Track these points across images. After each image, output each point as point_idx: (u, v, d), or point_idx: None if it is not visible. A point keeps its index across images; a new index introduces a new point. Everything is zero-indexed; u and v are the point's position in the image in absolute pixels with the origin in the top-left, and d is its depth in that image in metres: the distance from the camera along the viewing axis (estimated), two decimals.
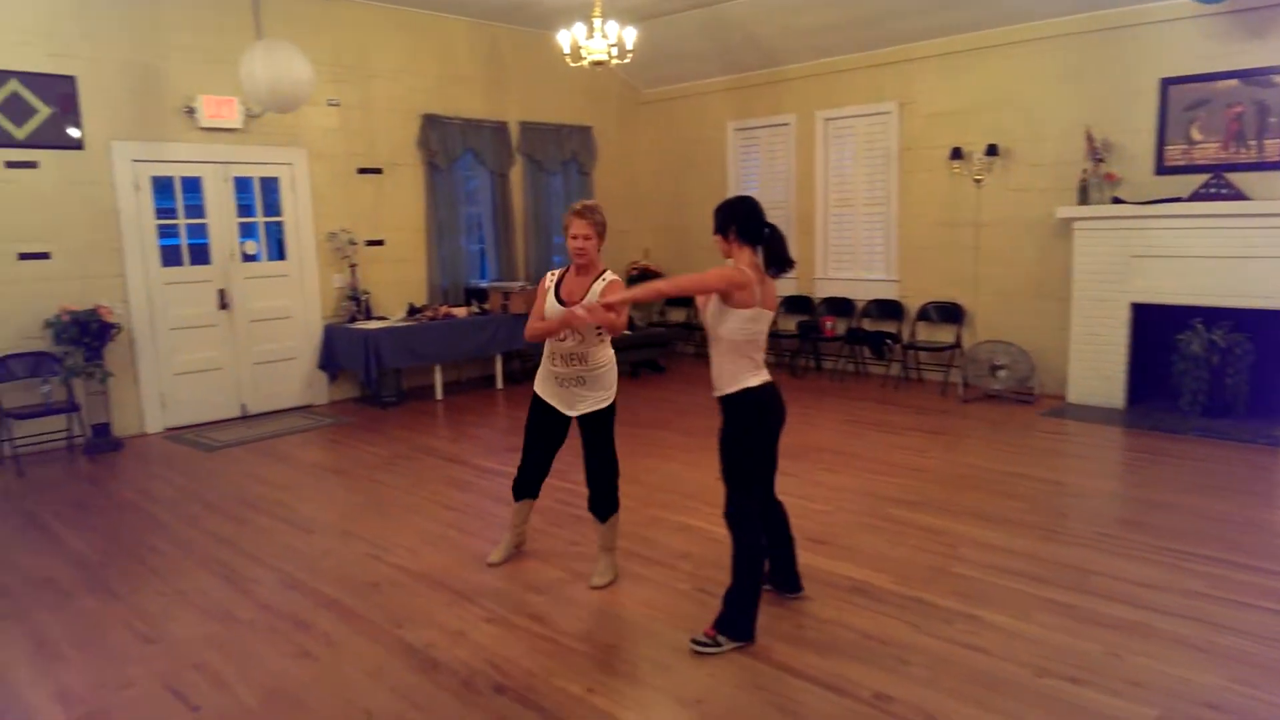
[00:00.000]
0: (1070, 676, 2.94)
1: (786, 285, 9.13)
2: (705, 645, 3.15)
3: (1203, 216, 6.16)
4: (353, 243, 7.62)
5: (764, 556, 3.30)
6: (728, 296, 3.14)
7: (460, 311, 7.95)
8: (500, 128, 8.67)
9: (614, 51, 6.66)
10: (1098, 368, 6.76)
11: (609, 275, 3.63)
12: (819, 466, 5.47)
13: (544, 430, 3.84)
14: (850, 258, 8.72)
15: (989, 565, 3.88)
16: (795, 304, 8.93)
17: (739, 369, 3.21)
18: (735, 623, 3.18)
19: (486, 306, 8.19)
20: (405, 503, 4.98)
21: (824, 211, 8.79)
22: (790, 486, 4.99)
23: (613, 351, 3.76)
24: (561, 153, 9.23)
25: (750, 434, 3.24)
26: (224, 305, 7.08)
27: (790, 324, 8.83)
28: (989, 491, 4.92)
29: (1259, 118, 6.10)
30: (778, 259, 3.26)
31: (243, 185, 7.19)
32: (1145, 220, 6.42)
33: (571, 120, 9.35)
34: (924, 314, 8.01)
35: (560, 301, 3.60)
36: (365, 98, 7.79)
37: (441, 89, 8.28)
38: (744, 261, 3.23)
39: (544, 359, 3.76)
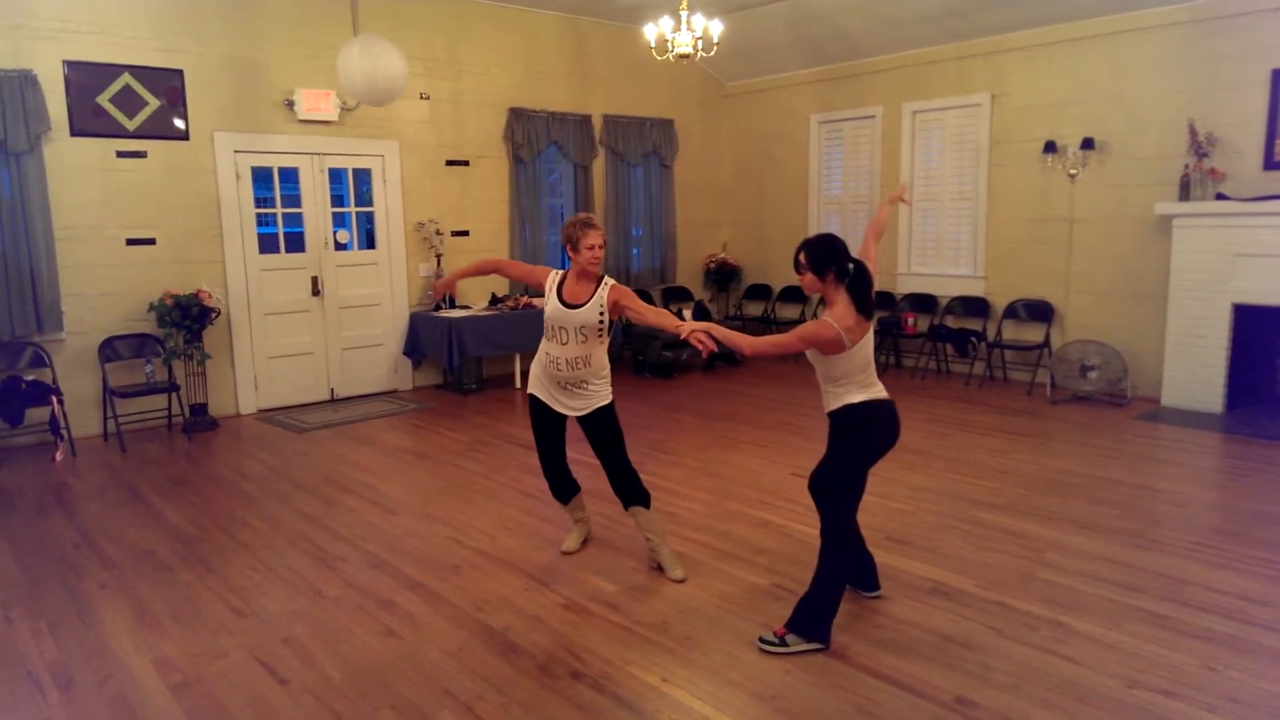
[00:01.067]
0: (1163, 689, 2.83)
1: None
2: (773, 645, 3.13)
3: None
4: (439, 233, 7.79)
5: (845, 565, 3.26)
6: (821, 350, 3.10)
7: (540, 303, 8.01)
8: (584, 120, 8.74)
9: (699, 45, 6.64)
10: (1195, 370, 6.46)
11: (609, 281, 3.69)
12: (900, 465, 5.37)
13: (549, 429, 3.92)
14: (935, 253, 8.53)
15: (1077, 572, 3.76)
16: (876, 300, 8.75)
17: (841, 389, 3.17)
18: (810, 626, 3.14)
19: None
20: (484, 488, 5.08)
21: (909, 206, 8.60)
22: (870, 485, 4.92)
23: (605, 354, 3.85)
24: (643, 145, 9.26)
25: (852, 449, 3.17)
26: (316, 292, 7.33)
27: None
28: (1078, 496, 4.76)
29: None
30: (864, 303, 3.14)
31: (336, 176, 7.43)
32: (1251, 218, 6.10)
33: (654, 113, 9.37)
34: (1011, 312, 7.78)
35: (562, 302, 3.67)
36: (454, 91, 7.95)
37: (528, 82, 8.39)
38: (841, 304, 3.11)
39: (541, 362, 3.83)
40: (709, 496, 4.87)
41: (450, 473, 5.42)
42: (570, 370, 3.71)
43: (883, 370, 8.49)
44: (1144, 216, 6.83)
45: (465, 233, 8.11)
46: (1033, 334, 7.65)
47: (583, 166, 8.78)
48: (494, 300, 8.02)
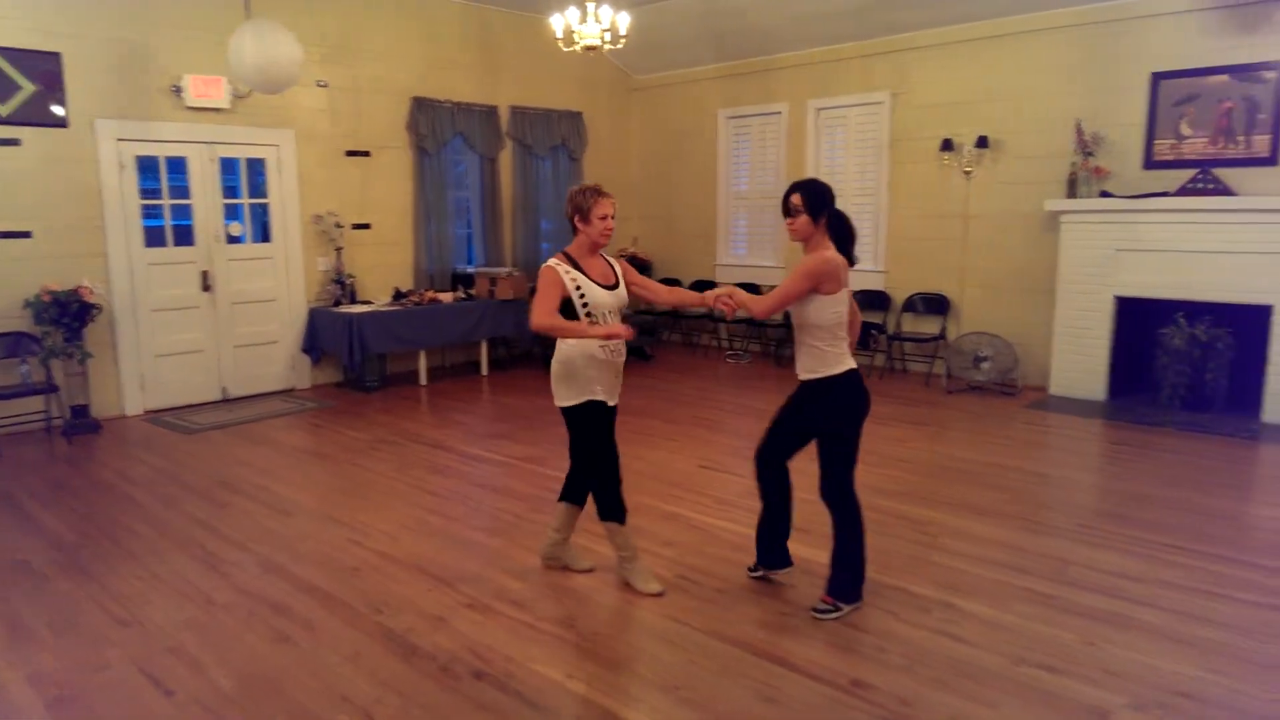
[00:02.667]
0: (1047, 665, 2.95)
1: (772, 275, 9.13)
2: (826, 611, 3.29)
3: (1189, 211, 6.18)
4: (339, 226, 7.56)
5: (860, 525, 3.36)
6: (819, 287, 3.17)
7: (446, 297, 7.90)
8: (490, 111, 8.61)
9: (607, 37, 6.61)
10: (1081, 360, 6.79)
11: (608, 255, 3.54)
12: (803, 456, 5.45)
13: (612, 435, 3.52)
14: None
15: (969, 555, 3.90)
16: None
17: (827, 355, 3.24)
18: (847, 586, 3.32)
19: (473, 292, 8.15)
20: (387, 488, 4.95)
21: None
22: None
23: None
24: (551, 138, 9.18)
25: (846, 420, 3.29)
26: (207, 287, 7.01)
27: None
28: (971, 482, 4.94)
29: (1248, 113, 6.12)
30: (849, 247, 3.30)
31: (228, 166, 7.11)
32: (1132, 214, 6.44)
33: (562, 105, 9.30)
34: (910, 305, 8.02)
35: (598, 284, 3.35)
36: (354, 79, 7.72)
37: (431, 71, 8.21)
38: (829, 247, 3.22)
39: (596, 359, 3.35)
40: None
41: (351, 472, 5.26)
42: (621, 354, 3.46)
43: (788, 362, 8.64)
44: (1034, 213, 7.13)
45: (367, 225, 7.88)
46: (930, 326, 7.91)
47: (489, 159, 8.65)
48: (397, 294, 7.82)
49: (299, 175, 7.43)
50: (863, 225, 8.48)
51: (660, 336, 9.90)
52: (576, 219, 3.36)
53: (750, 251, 9.51)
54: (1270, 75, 5.99)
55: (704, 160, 9.63)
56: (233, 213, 7.19)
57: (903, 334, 7.97)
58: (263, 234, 7.40)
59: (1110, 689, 2.81)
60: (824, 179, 8.66)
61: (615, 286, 3.43)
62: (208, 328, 7.05)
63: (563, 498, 3.74)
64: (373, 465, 5.38)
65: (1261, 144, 6.07)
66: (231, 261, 7.15)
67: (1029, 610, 3.36)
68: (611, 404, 3.47)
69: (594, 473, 3.52)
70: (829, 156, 8.66)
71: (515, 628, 3.27)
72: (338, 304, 7.50)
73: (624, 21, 6.53)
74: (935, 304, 7.86)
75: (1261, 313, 5.99)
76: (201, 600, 3.55)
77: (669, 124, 9.91)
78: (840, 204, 3.41)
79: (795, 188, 3.25)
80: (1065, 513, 4.45)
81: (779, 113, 8.96)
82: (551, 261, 3.38)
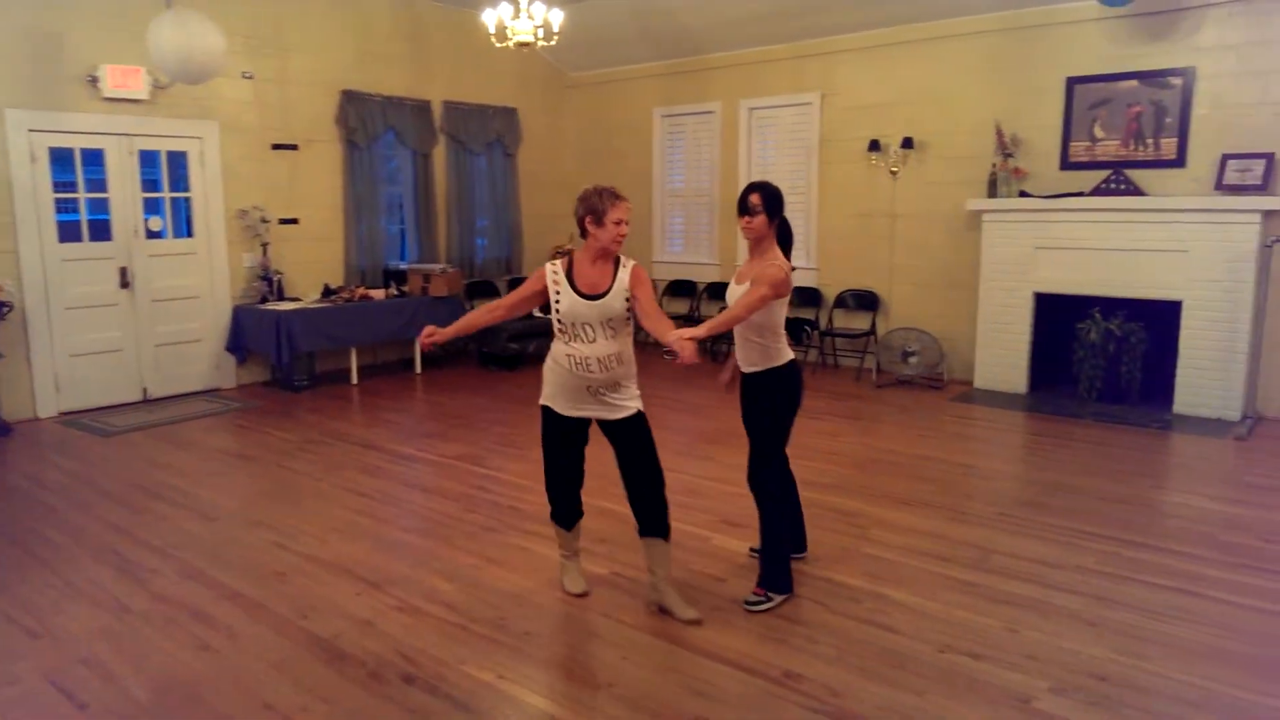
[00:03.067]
0: (970, 652, 3.04)
1: (708, 272, 9.20)
2: (757, 603, 3.35)
3: (1102, 211, 6.42)
4: (265, 221, 7.35)
5: (784, 516, 3.48)
6: (781, 292, 3.23)
7: (378, 294, 7.76)
8: (423, 106, 8.47)
9: (540, 33, 6.56)
10: (1003, 355, 7.00)
11: (628, 262, 3.19)
12: (738, 451, 5.50)
13: (569, 441, 3.34)
14: None
15: (898, 546, 3.99)
16: (716, 290, 9.00)
17: (770, 349, 3.35)
18: (774, 577, 3.39)
19: (406, 289, 8.02)
20: (315, 489, 4.84)
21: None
22: (708, 470, 5.06)
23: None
24: (486, 134, 9.08)
25: (780, 407, 3.39)
26: (125, 284, 6.76)
27: (711, 310, 8.89)
28: (899, 474, 5.05)
29: (1156, 117, 6.38)
30: (789, 249, 3.41)
31: (148, 159, 6.86)
32: (1049, 214, 6.66)
33: (497, 101, 9.21)
34: (841, 301, 8.17)
35: (579, 294, 3.13)
36: (281, 71, 7.52)
37: (361, 64, 8.05)
38: (775, 249, 3.33)
39: (561, 368, 3.21)
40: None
41: (277, 474, 5.13)
42: (604, 371, 3.14)
43: (723, 359, 8.71)
44: (957, 212, 7.32)
45: (294, 221, 7.68)
46: (860, 322, 8.07)
47: (423, 154, 8.52)
48: (327, 291, 7.65)
49: (223, 168, 7.21)
50: (795, 223, 8.55)
51: None
52: (588, 221, 3.11)
53: (686, 249, 9.56)
54: (1176, 81, 6.26)
55: (639, 158, 9.64)
56: (153, 207, 6.94)
57: (834, 330, 8.11)
58: (185, 229, 7.16)
59: (1032, 673, 2.90)
60: (755, 178, 8.83)
61: (602, 296, 3.11)
62: (127, 326, 6.79)
63: (640, 532, 3.39)
64: (300, 467, 5.26)
65: (1169, 147, 6.33)
66: (152, 257, 6.90)
67: (954, 598, 3.45)
68: (568, 414, 3.26)
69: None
70: (761, 156, 8.76)
71: (446, 629, 3.23)
72: (264, 301, 7.30)
73: (557, 18, 6.49)
74: (866, 300, 8.02)
75: (1172, 308, 6.25)
76: (117, 609, 3.42)
77: (604, 121, 9.90)
78: None
79: (754, 188, 3.31)
80: (988, 502, 4.59)
81: (712, 112, 9.02)
82: (550, 264, 3.24)
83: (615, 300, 3.11)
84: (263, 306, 7.16)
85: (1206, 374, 6.11)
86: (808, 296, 8.36)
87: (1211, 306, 6.05)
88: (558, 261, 3.24)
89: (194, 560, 3.88)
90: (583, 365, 3.14)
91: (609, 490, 4.74)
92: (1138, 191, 6.37)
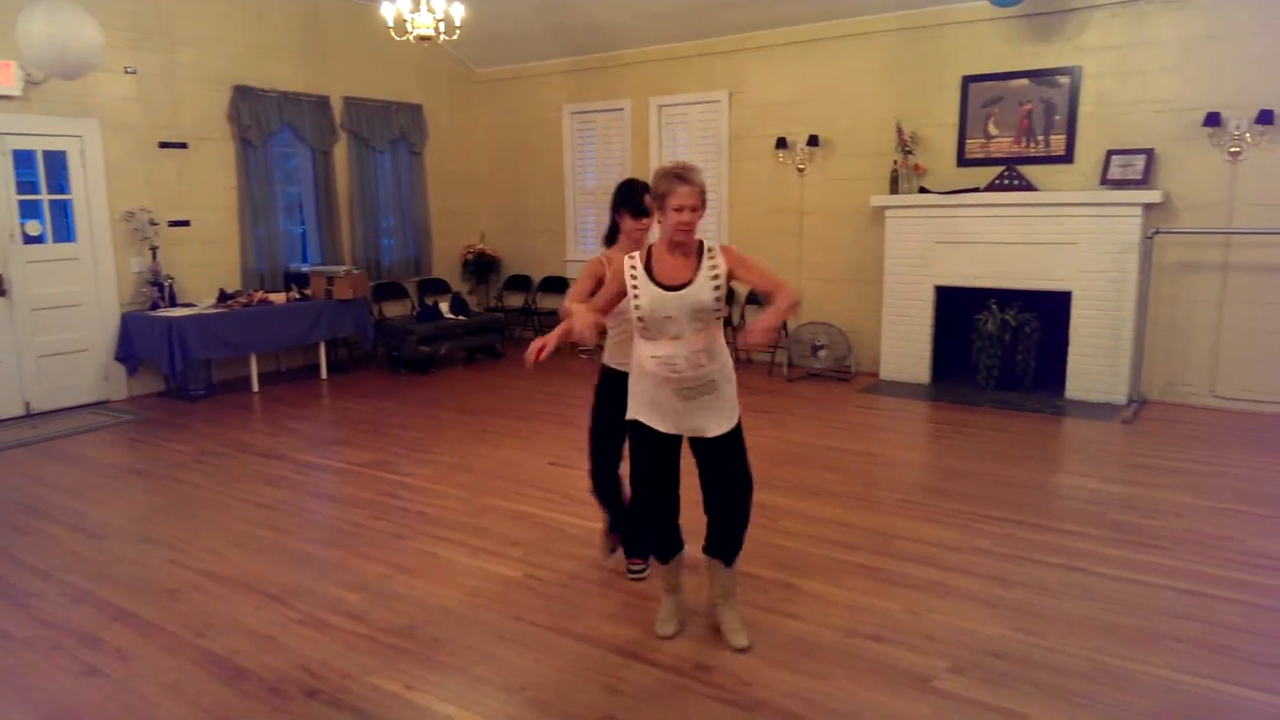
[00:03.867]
0: (873, 635, 3.11)
1: None
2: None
3: (997, 206, 6.67)
4: (153, 223, 7.01)
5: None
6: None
7: (278, 297, 7.50)
8: (321, 102, 8.22)
9: (441, 27, 6.44)
10: (906, 347, 7.22)
11: (714, 246, 2.91)
12: None
13: (661, 463, 2.98)
14: None
15: (806, 535, 4.06)
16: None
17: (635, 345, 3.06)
18: (628, 544, 3.56)
19: (308, 292, 7.77)
20: (212, 502, 4.64)
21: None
22: (624, 467, 5.04)
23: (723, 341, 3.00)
24: (390, 131, 8.87)
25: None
26: (2, 292, 6.35)
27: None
28: (809, 465, 5.15)
29: (1046, 115, 6.66)
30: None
31: (24, 159, 6.47)
32: (947, 209, 6.88)
33: (400, 97, 9.00)
34: (753, 298, 8.26)
35: (660, 286, 2.85)
36: (167, 65, 7.18)
37: (255, 58, 7.76)
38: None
39: (644, 373, 2.93)
40: (463, 493, 4.76)
41: (171, 488, 4.91)
42: (693, 369, 2.84)
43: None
44: (862, 208, 7.50)
45: (185, 223, 7.35)
46: None
47: (322, 152, 8.27)
48: (223, 296, 7.34)
49: (106, 169, 6.85)
50: (706, 220, 8.64)
51: (512, 334, 9.77)
52: (656, 207, 2.92)
53: (600, 247, 9.51)
54: (1063, 80, 6.55)
55: (551, 156, 9.57)
56: (31, 210, 6.55)
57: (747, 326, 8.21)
58: (67, 233, 6.77)
59: (931, 654, 2.99)
60: None
61: (686, 286, 2.82)
62: (5, 337, 6.39)
63: (708, 551, 3.15)
64: (196, 479, 5.04)
65: (1058, 143, 6.62)
66: (30, 263, 6.50)
67: (858, 584, 3.53)
68: (670, 432, 2.93)
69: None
70: (671, 153, 8.80)
71: (352, 641, 3.14)
72: (155, 307, 6.97)
73: (458, 12, 6.38)
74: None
75: (1063, 298, 6.54)
76: None
77: (514, 118, 9.79)
78: None
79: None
80: (892, 489, 4.71)
81: (623, 109, 9.02)
82: (627, 255, 2.97)
83: (702, 290, 2.83)
84: (153, 313, 6.83)
85: (1095, 360, 6.42)
86: None
87: (1098, 296, 6.36)
88: (635, 253, 2.96)
89: (81, 581, 3.67)
90: (668, 365, 2.85)
91: (518, 492, 4.71)
92: (1029, 187, 6.64)
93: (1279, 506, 4.33)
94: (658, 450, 2.95)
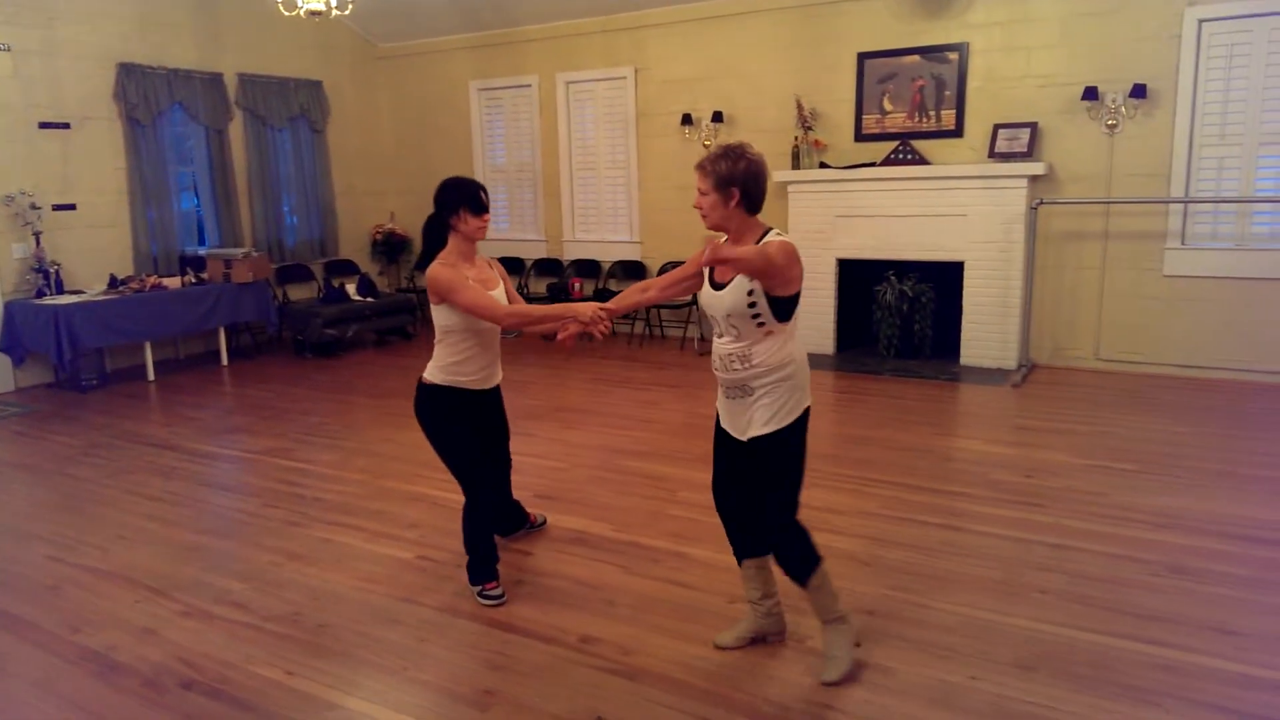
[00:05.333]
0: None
1: (537, 248, 9.16)
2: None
3: (892, 180, 6.84)
4: (35, 207, 6.70)
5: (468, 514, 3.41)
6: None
7: (173, 282, 7.25)
8: (214, 79, 7.94)
9: (333, 1, 6.28)
10: (812, 318, 7.35)
11: (773, 238, 2.59)
12: (561, 425, 5.57)
13: (726, 459, 2.84)
14: (596, 220, 8.89)
15: (702, 505, 4.09)
16: (545, 266, 8.99)
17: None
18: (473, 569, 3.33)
19: (205, 276, 7.53)
20: (98, 496, 4.50)
21: (569, 175, 8.87)
22: (531, 446, 5.07)
23: (795, 348, 2.67)
24: (289, 108, 8.62)
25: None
26: None
27: (540, 286, 8.86)
28: (711, 437, 5.22)
29: (937, 90, 6.84)
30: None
31: None
32: (846, 184, 7.03)
33: (299, 73, 8.75)
34: (664, 272, 8.31)
35: (711, 282, 2.70)
36: (46, 42, 6.83)
37: (141, 34, 7.43)
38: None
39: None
40: (363, 477, 4.71)
41: (58, 483, 4.73)
42: (726, 371, 2.67)
43: (553, 335, 8.73)
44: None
45: (72, 206, 7.04)
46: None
47: (216, 130, 7.99)
48: (114, 282, 7.07)
49: None
50: (616, 197, 8.69)
51: (425, 314, 9.65)
52: None
53: (512, 225, 9.46)
54: (952, 56, 6.73)
55: (458, 133, 9.43)
56: None
57: (659, 302, 8.25)
58: None
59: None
60: (577, 152, 8.84)
61: (724, 287, 2.62)
62: None
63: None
64: (83, 473, 4.87)
65: (949, 118, 6.81)
66: None
67: None
68: (731, 432, 2.76)
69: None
70: (580, 130, 8.77)
71: (235, 630, 3.10)
72: (41, 295, 6.67)
73: None
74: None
75: (956, 268, 6.76)
76: None
77: (419, 95, 9.61)
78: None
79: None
80: None
81: (530, 85, 8.94)
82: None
83: (735, 294, 2.57)
84: (39, 301, 6.54)
85: (986, 328, 6.67)
86: (633, 270, 8.48)
87: (988, 265, 6.59)
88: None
89: None
90: (714, 361, 2.75)
91: (419, 475, 4.69)
92: (922, 161, 6.82)
93: (1147, 462, 4.59)
94: (718, 444, 2.88)
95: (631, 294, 3.02)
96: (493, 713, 2.60)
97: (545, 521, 3.95)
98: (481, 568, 3.31)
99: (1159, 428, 5.18)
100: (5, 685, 2.79)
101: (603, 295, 8.44)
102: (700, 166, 2.64)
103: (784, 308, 2.59)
